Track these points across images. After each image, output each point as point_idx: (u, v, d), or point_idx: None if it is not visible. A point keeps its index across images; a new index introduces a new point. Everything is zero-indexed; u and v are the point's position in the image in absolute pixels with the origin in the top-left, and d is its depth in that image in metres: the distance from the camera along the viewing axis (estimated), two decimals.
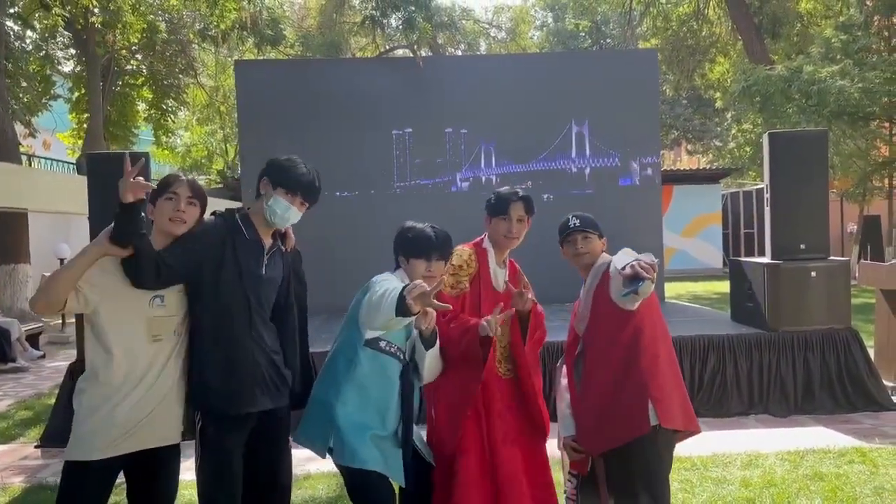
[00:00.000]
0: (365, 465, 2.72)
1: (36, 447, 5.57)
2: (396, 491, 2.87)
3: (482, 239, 3.22)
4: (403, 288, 2.53)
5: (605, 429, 2.79)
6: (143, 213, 2.63)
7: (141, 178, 2.54)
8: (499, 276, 3.16)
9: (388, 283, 2.71)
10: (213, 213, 2.87)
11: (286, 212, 2.82)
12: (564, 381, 3.07)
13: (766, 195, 6.43)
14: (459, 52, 22.95)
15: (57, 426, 5.41)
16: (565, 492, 3.09)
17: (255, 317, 2.80)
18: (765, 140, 6.51)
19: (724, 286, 12.07)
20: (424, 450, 2.99)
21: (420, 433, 3.03)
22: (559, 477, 3.28)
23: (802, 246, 6.22)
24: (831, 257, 6.33)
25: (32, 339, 9.86)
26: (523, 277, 3.18)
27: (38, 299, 2.61)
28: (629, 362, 2.78)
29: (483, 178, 9.43)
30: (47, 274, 2.68)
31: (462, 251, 3.14)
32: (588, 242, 2.99)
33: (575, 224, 3.01)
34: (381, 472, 2.76)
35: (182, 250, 2.69)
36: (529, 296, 3.06)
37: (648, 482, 2.72)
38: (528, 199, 3.14)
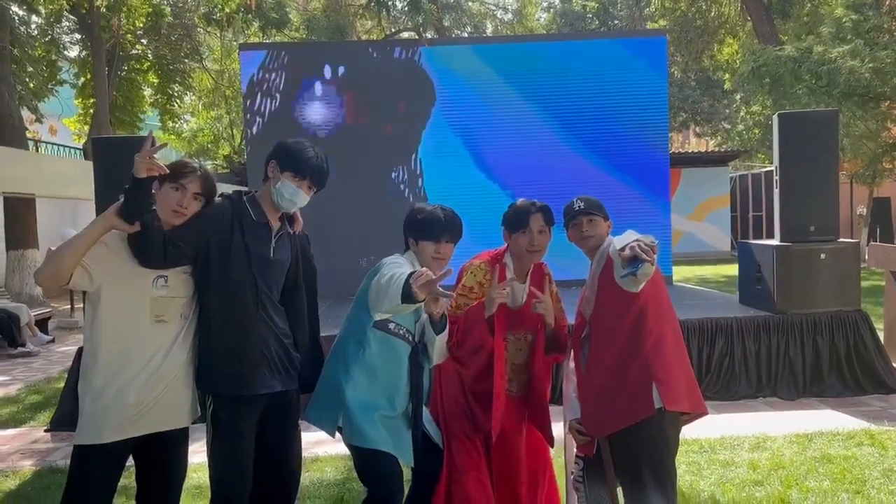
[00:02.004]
0: (373, 445, 2.73)
1: (46, 431, 5.62)
2: (408, 477, 2.88)
3: (502, 252, 3.11)
4: (410, 275, 2.51)
5: (609, 411, 2.78)
6: (153, 191, 2.63)
7: (158, 159, 2.54)
8: (516, 292, 3.06)
9: (397, 268, 2.68)
10: (221, 195, 2.86)
11: (294, 196, 2.81)
12: (571, 365, 3.06)
13: (776, 176, 6.37)
14: (465, 34, 22.81)
15: (66, 410, 5.44)
16: (571, 474, 3.09)
17: (264, 299, 2.78)
18: (775, 121, 6.45)
19: (732, 269, 12.02)
20: (434, 431, 2.99)
21: (429, 414, 3.03)
22: (560, 461, 3.28)
23: (812, 228, 6.19)
24: (841, 239, 6.29)
25: (41, 323, 9.93)
26: (550, 285, 3.11)
27: (42, 271, 2.61)
28: (633, 345, 2.76)
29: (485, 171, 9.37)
30: (53, 248, 2.67)
31: (476, 270, 3.05)
32: (593, 226, 2.95)
33: (580, 207, 2.95)
34: (389, 452, 2.77)
35: (190, 231, 2.68)
36: (547, 305, 3.01)
37: (654, 465, 2.71)
38: (547, 208, 3.05)
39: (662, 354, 2.76)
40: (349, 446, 2.83)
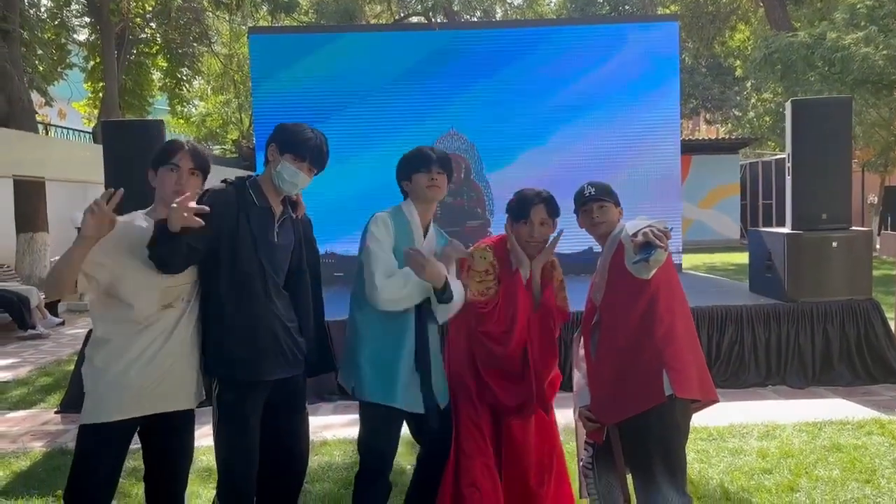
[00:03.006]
0: (375, 399, 2.80)
1: (56, 413, 5.66)
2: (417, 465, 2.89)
3: (505, 237, 3.09)
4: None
5: (619, 398, 2.76)
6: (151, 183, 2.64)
7: (197, 210, 2.47)
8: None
9: (378, 243, 2.79)
10: (225, 181, 2.84)
11: (294, 177, 2.79)
12: (581, 352, 3.04)
13: (788, 164, 6.32)
14: (475, 19, 22.66)
15: (76, 392, 5.47)
16: (581, 461, 3.08)
17: (270, 284, 2.78)
18: (788, 107, 6.39)
19: (742, 258, 11.96)
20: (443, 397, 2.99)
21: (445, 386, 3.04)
22: (572, 447, 3.27)
23: (824, 216, 6.13)
24: (853, 227, 6.23)
25: (51, 306, 9.97)
26: (554, 271, 3.09)
27: (47, 288, 2.59)
28: (644, 332, 2.74)
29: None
30: (56, 259, 2.65)
31: (484, 252, 3.04)
32: (604, 212, 2.91)
33: (590, 193, 2.91)
34: (393, 410, 2.82)
35: (203, 230, 2.61)
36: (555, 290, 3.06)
37: (664, 452, 2.69)
38: (551, 199, 3.01)
39: (673, 341, 2.74)
40: (360, 406, 2.88)
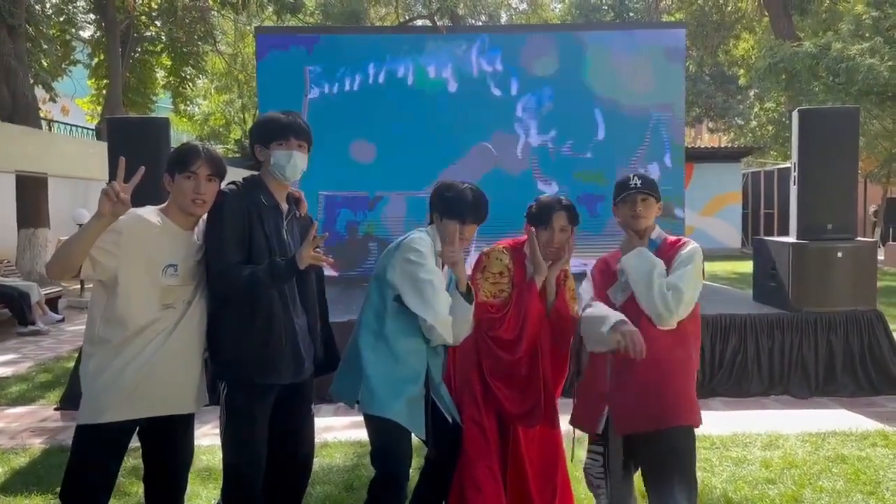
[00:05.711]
0: (387, 415, 2.75)
1: (55, 409, 5.64)
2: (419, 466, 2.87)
3: (522, 241, 3.09)
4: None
5: (654, 407, 2.70)
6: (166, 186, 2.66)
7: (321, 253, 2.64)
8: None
9: (434, 277, 2.75)
10: (233, 184, 2.82)
11: (289, 159, 2.77)
12: (590, 310, 2.85)
13: (794, 173, 6.30)
14: (480, 23, 22.66)
15: (75, 389, 5.39)
16: (588, 472, 3.04)
17: (285, 285, 2.77)
18: (794, 116, 6.37)
19: (743, 266, 11.93)
20: (454, 411, 2.98)
21: (448, 394, 3.02)
22: (580, 454, 3.24)
23: (829, 226, 6.11)
24: (858, 238, 6.22)
25: (52, 302, 9.95)
26: (567, 280, 3.08)
27: (52, 265, 2.54)
28: (684, 343, 2.73)
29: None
30: (64, 238, 2.64)
31: (500, 254, 3.05)
32: (647, 206, 2.84)
33: (636, 184, 2.82)
34: (404, 429, 2.78)
35: (237, 243, 2.67)
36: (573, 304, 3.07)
37: (685, 470, 2.72)
38: (572, 207, 3.00)
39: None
40: (366, 417, 2.83)
